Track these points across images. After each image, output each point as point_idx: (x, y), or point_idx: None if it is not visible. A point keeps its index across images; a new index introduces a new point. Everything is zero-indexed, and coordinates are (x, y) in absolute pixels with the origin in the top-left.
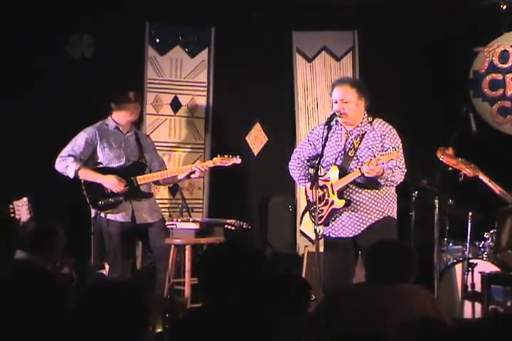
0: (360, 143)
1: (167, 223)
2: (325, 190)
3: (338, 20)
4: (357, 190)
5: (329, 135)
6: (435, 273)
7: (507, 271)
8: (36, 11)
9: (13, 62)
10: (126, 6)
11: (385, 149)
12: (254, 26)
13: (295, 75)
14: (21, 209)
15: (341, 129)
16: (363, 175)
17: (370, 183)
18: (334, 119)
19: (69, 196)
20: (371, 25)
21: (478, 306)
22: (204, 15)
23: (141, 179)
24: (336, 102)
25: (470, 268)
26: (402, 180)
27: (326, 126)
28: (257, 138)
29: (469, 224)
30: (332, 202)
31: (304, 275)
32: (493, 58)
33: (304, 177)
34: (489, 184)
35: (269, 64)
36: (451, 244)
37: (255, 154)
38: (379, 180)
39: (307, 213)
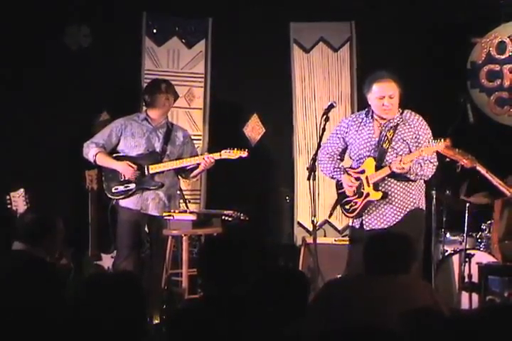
0: (393, 135)
1: (164, 214)
2: (360, 182)
3: (335, 10)
4: (392, 181)
5: (357, 127)
6: (432, 264)
7: (505, 261)
8: (34, 2)
9: (11, 53)
10: None
11: (421, 141)
12: (252, 17)
13: (292, 66)
14: (18, 201)
15: (373, 121)
16: (392, 171)
17: (403, 176)
18: (332, 110)
19: (67, 187)
20: (369, 15)
21: (475, 297)
22: (201, 6)
23: (152, 168)
24: (382, 98)
25: (467, 259)
26: (432, 174)
27: (323, 118)
28: (254, 129)
29: (466, 215)
30: (367, 195)
31: (300, 266)
32: (491, 49)
33: (337, 170)
34: (486, 175)
35: (266, 55)
36: (448, 235)
37: (253, 145)
38: (408, 175)
39: (338, 206)
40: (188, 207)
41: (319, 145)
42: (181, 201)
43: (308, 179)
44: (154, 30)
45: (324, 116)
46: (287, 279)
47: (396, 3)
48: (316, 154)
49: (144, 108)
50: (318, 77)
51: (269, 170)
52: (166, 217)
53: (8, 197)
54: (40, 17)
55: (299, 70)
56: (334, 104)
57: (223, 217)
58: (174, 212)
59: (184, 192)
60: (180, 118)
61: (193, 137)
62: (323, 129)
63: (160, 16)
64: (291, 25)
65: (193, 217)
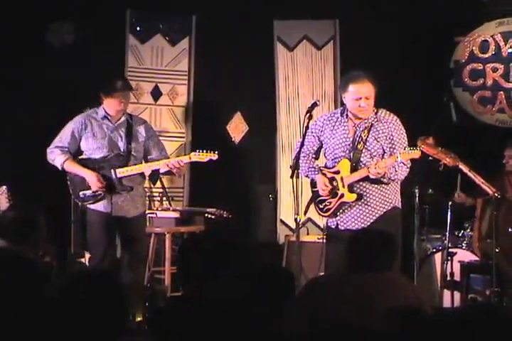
0: (368, 136)
1: (147, 211)
2: (334, 183)
3: (319, 9)
4: (367, 183)
5: (332, 126)
6: (415, 262)
7: (486, 259)
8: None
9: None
10: None
11: (394, 142)
12: (236, 15)
13: (276, 64)
14: (0, 198)
15: (347, 121)
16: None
17: (377, 179)
18: (315, 109)
19: (50, 185)
20: (352, 14)
21: (457, 295)
22: (185, 3)
23: (120, 172)
24: (359, 99)
25: (449, 257)
26: (405, 176)
27: (306, 116)
28: (237, 127)
29: (449, 213)
30: (342, 195)
31: (284, 264)
32: (474, 48)
33: (312, 169)
34: (469, 173)
35: (250, 53)
36: (430, 233)
37: (236, 143)
38: (382, 179)
39: (312, 204)
40: (171, 205)
41: (302, 144)
42: (165, 198)
43: (292, 177)
44: (138, 28)
45: (307, 115)
46: (273, 277)
47: (380, 2)
48: (299, 152)
49: (102, 104)
50: (302, 75)
51: (252, 168)
52: (149, 215)
53: None
54: (24, 13)
55: (282, 68)
56: (318, 103)
57: (206, 215)
58: (157, 209)
59: (167, 190)
60: (164, 115)
61: (176, 135)
62: (307, 127)
63: (143, 14)
64: (275, 23)
65: (176, 215)
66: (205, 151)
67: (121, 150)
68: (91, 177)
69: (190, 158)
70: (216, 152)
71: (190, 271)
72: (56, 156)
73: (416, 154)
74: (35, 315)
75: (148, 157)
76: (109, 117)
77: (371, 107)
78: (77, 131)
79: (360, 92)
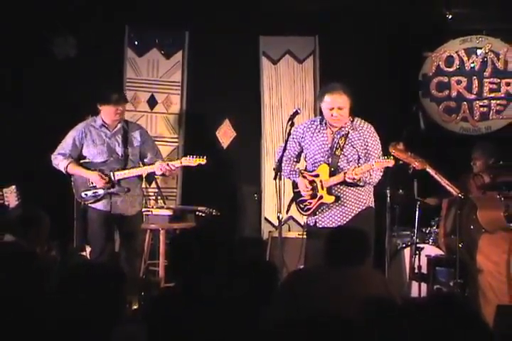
0: (345, 142)
1: (144, 210)
2: (314, 185)
3: (301, 26)
4: (344, 186)
5: (312, 133)
6: (386, 256)
7: (450, 254)
8: (22, 12)
9: None
10: (108, 10)
11: (369, 148)
12: (225, 31)
13: (261, 76)
14: (10, 196)
15: (326, 129)
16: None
17: (354, 183)
18: (296, 117)
19: (56, 184)
20: (331, 31)
21: (424, 286)
22: (179, 20)
23: (117, 175)
24: (332, 109)
25: (417, 252)
26: (379, 179)
27: (288, 123)
28: (226, 133)
29: (417, 212)
30: (321, 197)
31: (267, 257)
32: (440, 62)
33: (293, 172)
34: (436, 176)
35: (237, 65)
36: (400, 230)
37: (224, 147)
38: (358, 182)
39: (293, 203)
40: (165, 203)
41: (285, 149)
42: (159, 198)
43: (275, 179)
44: (136, 42)
45: (289, 122)
46: (258, 270)
47: (357, 21)
48: (281, 156)
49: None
50: (285, 86)
51: (239, 170)
52: (145, 213)
53: (0, 192)
54: (28, 27)
55: (267, 80)
56: (299, 111)
57: (197, 213)
58: (152, 207)
59: (162, 190)
60: (159, 122)
61: (170, 140)
62: (289, 134)
63: (141, 29)
64: (260, 39)
65: (170, 212)
66: (194, 156)
67: (120, 154)
68: (94, 176)
69: (181, 162)
70: (204, 157)
71: (181, 263)
72: (59, 162)
73: (390, 163)
74: (38, 302)
75: (145, 160)
76: (106, 125)
77: (344, 117)
78: (77, 140)
79: (334, 103)
